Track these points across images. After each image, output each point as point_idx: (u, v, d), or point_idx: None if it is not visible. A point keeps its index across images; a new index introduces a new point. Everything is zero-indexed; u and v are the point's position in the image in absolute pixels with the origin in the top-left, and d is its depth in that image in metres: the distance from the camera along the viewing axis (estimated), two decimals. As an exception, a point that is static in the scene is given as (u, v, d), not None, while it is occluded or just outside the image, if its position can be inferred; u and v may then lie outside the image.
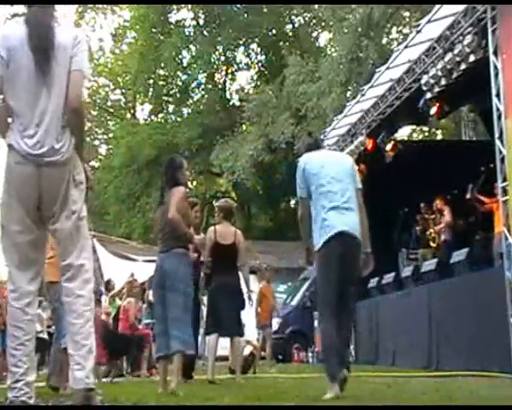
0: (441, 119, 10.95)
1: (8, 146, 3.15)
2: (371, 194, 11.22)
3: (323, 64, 17.87)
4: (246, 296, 6.70)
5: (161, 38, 26.48)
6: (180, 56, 26.68)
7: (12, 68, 3.12)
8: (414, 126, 19.51)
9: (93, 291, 3.30)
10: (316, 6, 22.57)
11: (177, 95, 27.80)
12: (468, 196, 9.60)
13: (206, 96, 27.06)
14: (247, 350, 8.55)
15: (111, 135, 30.22)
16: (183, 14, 27.37)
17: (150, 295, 11.04)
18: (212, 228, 6.72)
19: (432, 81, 8.61)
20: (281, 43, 26.05)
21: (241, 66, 28.16)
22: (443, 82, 8.45)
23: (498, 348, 6.78)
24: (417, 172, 10.75)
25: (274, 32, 26.34)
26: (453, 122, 18.77)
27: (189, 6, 26.15)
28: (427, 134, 22.85)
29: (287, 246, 21.09)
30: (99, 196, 27.41)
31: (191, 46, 26.48)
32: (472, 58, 7.67)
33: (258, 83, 26.76)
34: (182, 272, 5.00)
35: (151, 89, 28.14)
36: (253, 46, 27.31)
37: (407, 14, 19.02)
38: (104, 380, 8.28)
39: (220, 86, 27.56)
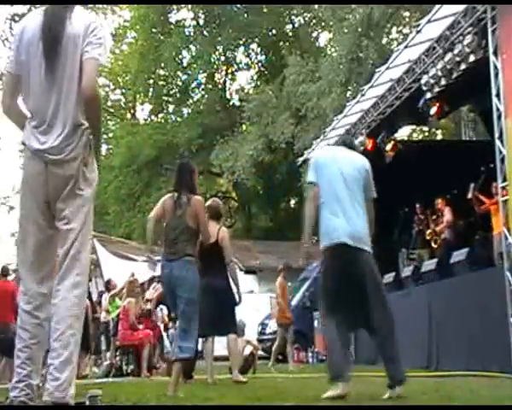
0: (441, 119, 10.95)
1: (22, 144, 3.16)
2: (371, 194, 11.38)
3: (323, 64, 17.87)
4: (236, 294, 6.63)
5: (161, 38, 26.50)
6: (180, 56, 26.70)
7: (26, 65, 3.09)
8: (414, 126, 19.52)
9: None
10: (316, 6, 22.58)
11: (177, 95, 27.82)
12: (469, 195, 9.59)
13: (206, 96, 27.07)
14: (248, 350, 8.56)
15: (111, 135, 30.24)
16: (183, 14, 27.43)
17: (147, 294, 11.09)
18: None
19: (432, 81, 8.61)
20: (281, 43, 26.08)
21: (241, 66, 28.20)
22: (443, 82, 8.46)
23: (498, 348, 6.78)
24: (417, 172, 10.75)
25: (274, 32, 26.36)
26: (453, 122, 18.78)
27: (189, 6, 26.16)
28: (427, 134, 22.85)
29: (287, 246, 21.09)
30: (99, 196, 27.43)
31: (191, 46, 26.50)
32: (472, 58, 7.67)
33: (258, 83, 26.78)
34: (191, 281, 5.03)
35: (151, 89, 28.15)
36: (253, 46, 27.34)
37: (407, 14, 19.03)
38: (104, 380, 8.29)
39: (220, 86, 27.58)
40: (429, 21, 8.10)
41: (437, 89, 8.65)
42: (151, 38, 26.67)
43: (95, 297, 12.12)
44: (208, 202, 6.93)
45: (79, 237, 3.08)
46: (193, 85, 27.48)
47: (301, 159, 13.97)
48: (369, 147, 10.93)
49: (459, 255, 8.35)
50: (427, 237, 11.07)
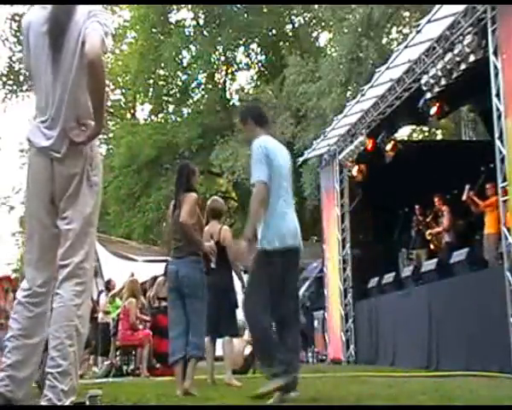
0: (441, 119, 10.95)
1: (27, 140, 3.12)
2: (371, 194, 11.41)
3: (323, 64, 17.86)
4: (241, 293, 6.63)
5: (161, 38, 26.47)
6: (180, 56, 26.67)
7: (34, 59, 3.06)
8: (414, 126, 19.51)
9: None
10: (316, 6, 22.56)
11: (177, 95, 27.78)
12: (463, 197, 9.63)
13: (206, 96, 27.04)
14: (248, 350, 8.55)
15: (111, 135, 30.24)
16: (183, 14, 27.38)
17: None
18: None
19: (432, 81, 8.61)
20: (281, 43, 26.05)
21: (241, 66, 28.15)
22: (443, 82, 8.45)
23: (498, 348, 6.78)
24: (417, 172, 10.75)
25: (274, 32, 26.32)
26: (453, 122, 18.77)
27: (189, 6, 26.14)
28: (427, 134, 22.84)
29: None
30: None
31: (191, 46, 26.47)
32: (472, 58, 7.66)
33: (258, 83, 26.75)
34: (198, 279, 5.14)
35: (151, 89, 28.13)
36: (253, 46, 27.30)
37: (407, 14, 19.02)
38: (104, 380, 8.29)
39: (220, 86, 27.54)
40: (429, 21, 8.10)
41: (437, 89, 8.64)
42: (151, 38, 26.65)
43: (95, 297, 12.10)
44: (209, 201, 6.95)
45: (80, 238, 3.01)
46: (193, 85, 27.45)
47: (301, 159, 13.97)
48: (369, 147, 10.93)
49: (459, 255, 8.35)
50: (428, 238, 11.08)
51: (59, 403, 2.80)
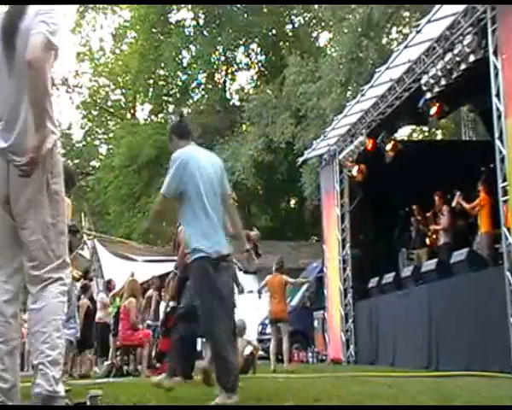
0: (441, 119, 10.95)
1: None
2: (371, 194, 11.42)
3: (323, 64, 17.87)
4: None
5: (161, 38, 26.51)
6: (180, 56, 26.71)
7: None
8: (414, 126, 19.52)
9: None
10: (316, 6, 22.59)
11: (177, 95, 27.83)
12: (453, 203, 9.69)
13: (206, 96, 27.08)
14: (248, 350, 8.55)
15: (111, 135, 30.26)
16: (183, 14, 27.44)
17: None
18: None
19: (432, 81, 8.61)
20: (281, 43, 26.09)
21: (241, 66, 28.19)
22: (443, 82, 8.45)
23: (498, 348, 6.78)
24: (417, 172, 10.75)
25: (274, 32, 26.35)
26: (453, 122, 18.80)
27: (189, 6, 26.17)
28: (427, 134, 22.86)
29: (287, 246, 21.09)
30: (99, 196, 27.46)
31: (191, 46, 26.50)
32: (472, 58, 7.66)
33: (258, 83, 26.78)
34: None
35: (151, 89, 28.17)
36: (253, 46, 27.33)
37: (407, 14, 19.04)
38: (104, 380, 8.29)
39: (220, 86, 27.57)
40: (429, 21, 8.10)
41: (437, 89, 8.64)
42: (151, 38, 26.68)
43: (95, 296, 12.10)
44: None
45: (51, 246, 2.97)
46: (193, 85, 27.50)
47: (301, 159, 13.97)
48: (369, 147, 10.93)
49: (459, 255, 8.35)
50: (428, 233, 11.08)
51: (50, 388, 2.83)
